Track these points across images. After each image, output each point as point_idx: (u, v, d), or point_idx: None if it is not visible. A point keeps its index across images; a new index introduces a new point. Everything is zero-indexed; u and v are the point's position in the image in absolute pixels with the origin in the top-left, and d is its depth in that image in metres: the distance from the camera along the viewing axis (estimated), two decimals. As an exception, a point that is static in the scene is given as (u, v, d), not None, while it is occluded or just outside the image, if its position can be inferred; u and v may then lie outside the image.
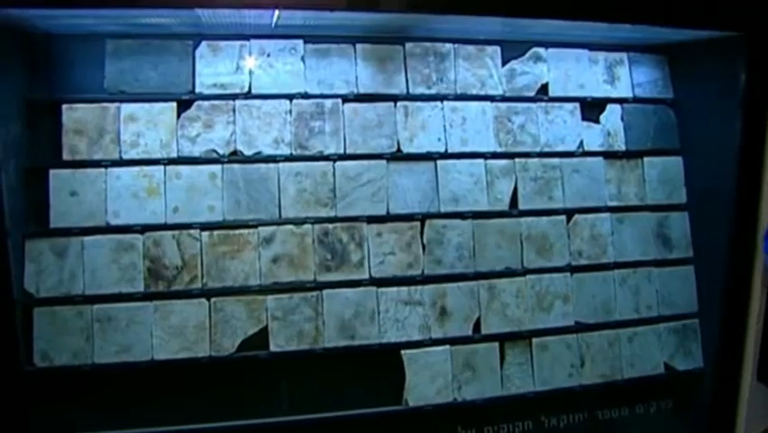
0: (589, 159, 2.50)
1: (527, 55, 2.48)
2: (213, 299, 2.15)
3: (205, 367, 2.13)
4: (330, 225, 2.24)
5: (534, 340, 2.38)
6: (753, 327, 2.34)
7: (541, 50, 2.49)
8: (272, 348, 2.17)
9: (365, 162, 2.28)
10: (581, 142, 2.50)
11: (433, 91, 2.36)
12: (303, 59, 2.27)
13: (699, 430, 2.50)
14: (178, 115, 2.18)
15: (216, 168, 2.19)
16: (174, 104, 2.18)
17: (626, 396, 2.51)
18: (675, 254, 2.57)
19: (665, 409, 2.54)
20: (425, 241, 2.31)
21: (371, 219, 2.27)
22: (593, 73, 2.55)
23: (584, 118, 2.52)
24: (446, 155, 2.35)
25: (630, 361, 2.49)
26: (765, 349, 2.35)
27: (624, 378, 2.48)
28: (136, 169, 2.14)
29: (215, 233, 2.18)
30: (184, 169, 2.17)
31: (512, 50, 2.47)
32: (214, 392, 2.16)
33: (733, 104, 2.32)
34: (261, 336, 2.18)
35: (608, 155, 2.53)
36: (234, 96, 2.22)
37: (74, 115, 2.12)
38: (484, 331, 2.34)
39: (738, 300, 2.35)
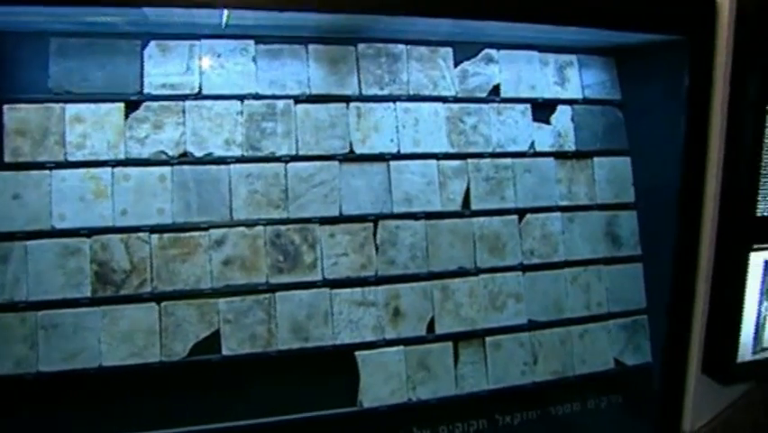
0: (540, 159, 2.55)
1: (479, 56, 2.52)
2: (163, 303, 2.13)
3: (155, 372, 2.11)
4: (282, 227, 2.24)
5: (488, 339, 2.42)
6: (697, 322, 2.43)
7: (493, 52, 2.53)
8: (224, 352, 2.16)
9: (317, 163, 2.29)
10: (533, 143, 2.55)
11: (385, 92, 2.38)
12: (254, 59, 2.27)
13: (648, 423, 2.56)
14: (126, 116, 2.15)
15: (166, 169, 2.17)
16: (122, 104, 2.15)
17: (577, 392, 2.57)
18: (624, 252, 2.64)
19: (616, 404, 2.61)
20: (378, 242, 2.32)
21: (324, 220, 2.28)
22: (544, 75, 2.60)
23: (535, 119, 2.57)
24: (399, 156, 2.37)
25: (581, 357, 2.55)
26: (709, 342, 2.43)
27: (575, 374, 2.54)
28: (82, 171, 2.10)
29: (165, 235, 2.15)
30: (132, 170, 2.14)
31: (464, 51, 2.51)
32: (166, 398, 2.14)
33: (677, 105, 2.39)
34: (213, 340, 2.16)
35: (559, 155, 2.59)
36: (184, 97, 2.20)
37: (16, 115, 2.07)
38: (438, 331, 2.36)
39: (683, 296, 2.43)
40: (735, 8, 2.28)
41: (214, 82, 2.23)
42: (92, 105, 2.12)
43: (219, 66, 2.24)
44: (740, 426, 2.55)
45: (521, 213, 2.50)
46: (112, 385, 2.09)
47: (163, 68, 2.19)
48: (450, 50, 2.47)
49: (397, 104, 2.39)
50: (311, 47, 2.32)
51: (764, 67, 2.31)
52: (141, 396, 2.12)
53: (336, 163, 2.31)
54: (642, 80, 2.64)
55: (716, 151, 2.36)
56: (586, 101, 2.66)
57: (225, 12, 1.98)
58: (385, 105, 2.38)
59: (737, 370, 2.43)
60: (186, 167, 2.19)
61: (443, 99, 2.45)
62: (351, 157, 2.32)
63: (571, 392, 2.56)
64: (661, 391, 2.51)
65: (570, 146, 2.60)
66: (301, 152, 2.28)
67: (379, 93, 2.37)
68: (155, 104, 2.17)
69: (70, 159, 2.09)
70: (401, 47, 2.42)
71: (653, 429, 2.53)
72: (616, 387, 2.61)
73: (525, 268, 2.49)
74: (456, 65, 2.48)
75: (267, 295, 2.21)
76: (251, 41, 2.27)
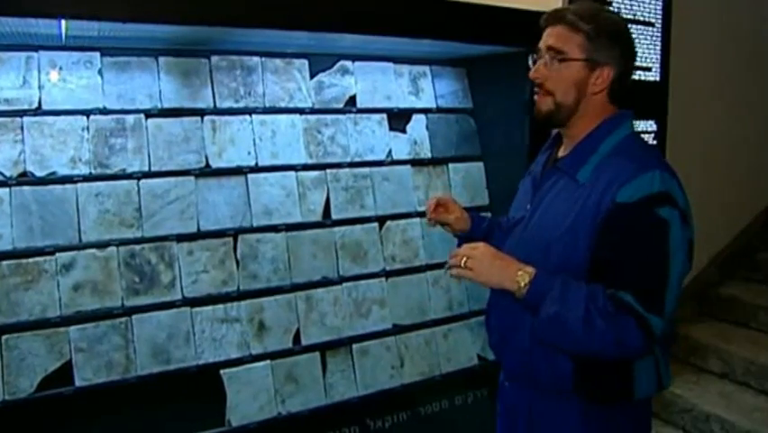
0: (397, 167, 2.63)
1: (335, 68, 2.55)
2: (4, 337, 1.96)
3: (-3, 413, 1.93)
4: (137, 247, 2.15)
5: (355, 346, 2.45)
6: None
7: (348, 63, 2.57)
8: (78, 383, 2.03)
9: (172, 179, 2.22)
10: (390, 152, 2.62)
11: (241, 105, 2.35)
12: (100, 72, 2.16)
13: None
14: (-47, 134, 1.97)
15: (3, 191, 2.01)
16: (-53, 121, 1.97)
17: (445, 389, 2.65)
18: (481, 253, 2.74)
19: (481, 397, 2.71)
20: (238, 256, 2.28)
21: (181, 237, 2.21)
22: (399, 85, 2.68)
23: (392, 128, 2.65)
24: (257, 169, 2.35)
25: (447, 356, 2.64)
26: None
27: (442, 373, 2.63)
28: None
29: (4, 263, 1.99)
30: (-38, 194, 1.97)
31: (320, 63, 2.53)
32: (12, 439, 1.97)
33: (521, 111, 2.52)
34: (65, 371, 2.02)
35: (416, 163, 2.68)
36: (22, 113, 2.05)
37: None
38: (304, 342, 2.36)
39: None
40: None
41: (55, 96, 2.10)
42: None
43: (61, 79, 2.11)
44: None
45: (381, 220, 2.56)
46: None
47: (-5, 81, 2.03)
48: (305, 61, 2.49)
49: (254, 116, 2.37)
50: (162, 59, 2.25)
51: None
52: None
53: (192, 178, 2.24)
54: (491, 89, 2.79)
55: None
56: (440, 110, 2.77)
57: (63, 22, 1.86)
58: (241, 117, 2.35)
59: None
60: (26, 188, 2.03)
61: (300, 111, 2.46)
62: (207, 171, 2.27)
63: (439, 391, 2.64)
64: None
65: (426, 154, 2.69)
66: (154, 168, 2.20)
67: (235, 106, 2.34)
68: (-13, 120, 2.01)
69: None
70: (256, 59, 2.40)
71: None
72: (481, 381, 2.71)
73: (387, 274, 2.55)
74: (312, 76, 2.50)
75: (123, 319, 2.11)
76: (97, 53, 2.16)
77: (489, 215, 2.73)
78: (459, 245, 1.86)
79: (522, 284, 1.40)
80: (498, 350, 1.70)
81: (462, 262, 1.43)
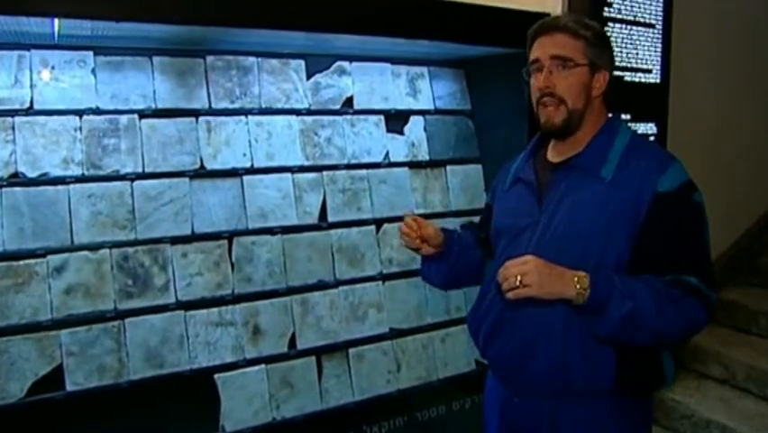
0: (395, 169, 2.62)
1: (332, 69, 2.54)
2: (-6, 341, 1.94)
3: (-13, 419, 1.91)
4: (130, 249, 2.13)
5: (351, 350, 2.44)
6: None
7: (345, 64, 2.56)
8: (69, 388, 2.01)
9: (166, 181, 2.20)
10: (387, 153, 2.61)
11: (236, 105, 2.34)
12: (93, 71, 2.15)
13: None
14: (-57, 134, 1.95)
15: (-7, 192, 1.99)
16: (-62, 121, 1.95)
17: (442, 395, 2.64)
18: (479, 256, 2.73)
19: (479, 403, 2.67)
20: (233, 259, 2.27)
21: (175, 240, 2.20)
22: (396, 86, 2.67)
23: (389, 130, 2.64)
24: (252, 170, 2.34)
25: (444, 361, 2.63)
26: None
27: (439, 378, 2.62)
28: None
29: (-6, 265, 1.97)
30: (-48, 194, 1.95)
31: (316, 63, 2.52)
32: (1, 446, 1.95)
33: (520, 112, 2.51)
34: (56, 376, 2.01)
35: (413, 165, 2.67)
36: (14, 112, 2.03)
37: None
38: (300, 346, 2.35)
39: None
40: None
41: (48, 96, 2.08)
42: None
43: (53, 78, 2.09)
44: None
45: (378, 223, 2.55)
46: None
47: (-14, 80, 2.01)
48: (302, 62, 2.48)
49: (250, 117, 2.36)
50: (156, 59, 2.24)
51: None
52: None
53: (186, 180, 2.23)
54: (489, 90, 2.78)
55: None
56: (438, 111, 2.76)
57: (56, 20, 1.84)
58: (236, 118, 2.33)
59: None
60: (17, 189, 2.02)
61: (297, 112, 2.45)
62: (202, 173, 2.26)
63: (437, 396, 2.62)
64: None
65: (423, 156, 2.68)
66: (148, 170, 2.18)
67: (230, 106, 2.33)
68: (-22, 120, 1.99)
69: None
70: (252, 59, 2.39)
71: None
72: (478, 387, 2.69)
73: (384, 277, 2.54)
74: (309, 77, 2.49)
75: (115, 322, 2.09)
76: (90, 53, 2.14)
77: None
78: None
79: (582, 288, 1.34)
80: (515, 365, 1.55)
81: (518, 281, 1.34)
